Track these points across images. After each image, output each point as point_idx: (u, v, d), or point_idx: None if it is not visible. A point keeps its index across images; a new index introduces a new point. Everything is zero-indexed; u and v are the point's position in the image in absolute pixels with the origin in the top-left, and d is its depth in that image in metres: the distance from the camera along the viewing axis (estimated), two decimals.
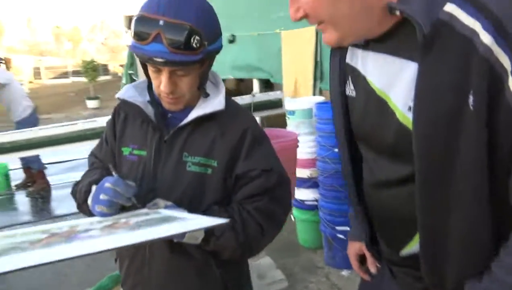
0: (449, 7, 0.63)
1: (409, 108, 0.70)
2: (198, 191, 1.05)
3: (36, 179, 4.94)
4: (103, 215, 0.97)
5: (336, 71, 0.90)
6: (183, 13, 0.90)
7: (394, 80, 0.73)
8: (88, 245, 0.70)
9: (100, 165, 1.18)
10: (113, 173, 1.00)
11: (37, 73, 27.31)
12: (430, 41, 0.63)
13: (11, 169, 5.14)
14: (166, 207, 0.98)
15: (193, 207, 1.02)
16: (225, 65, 5.07)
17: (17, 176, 5.17)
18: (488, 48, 0.58)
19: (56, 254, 0.63)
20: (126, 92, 1.10)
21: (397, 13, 0.66)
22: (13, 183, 5.11)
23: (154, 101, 1.09)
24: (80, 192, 1.08)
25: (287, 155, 1.70)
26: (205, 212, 1.02)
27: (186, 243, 0.98)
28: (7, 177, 4.95)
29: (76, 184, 1.16)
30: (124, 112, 1.14)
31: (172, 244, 1.03)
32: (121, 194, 0.96)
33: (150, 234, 0.73)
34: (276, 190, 1.07)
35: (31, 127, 4.66)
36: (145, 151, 1.08)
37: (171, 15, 0.89)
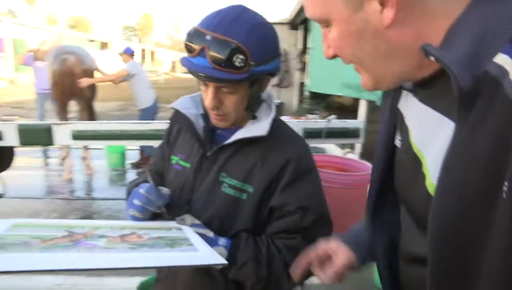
0: (501, 58, 0.48)
1: None
2: (230, 214, 1.02)
3: (146, 161, 5.48)
4: (135, 219, 1.01)
5: (385, 114, 0.78)
6: (233, 30, 0.88)
7: (430, 138, 0.60)
8: (77, 260, 0.72)
9: (152, 168, 1.23)
10: (149, 180, 1.03)
11: (173, 67, 30.38)
12: (469, 99, 0.50)
13: (129, 149, 5.78)
14: (192, 225, 0.97)
15: (223, 230, 1.00)
16: (335, 82, 4.96)
17: (133, 156, 5.80)
18: None
19: (43, 264, 0.67)
20: (181, 103, 1.12)
21: (432, 58, 0.54)
22: (128, 162, 5.74)
23: (206, 115, 1.09)
24: (127, 192, 1.14)
25: (361, 190, 1.56)
26: (234, 237, 1.00)
27: None
28: (123, 156, 5.59)
29: (130, 182, 1.23)
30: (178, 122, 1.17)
31: None
32: (153, 202, 0.99)
33: (138, 262, 0.74)
34: (312, 230, 1.00)
35: (152, 115, 5.41)
36: (189, 164, 1.09)
37: (219, 31, 0.88)
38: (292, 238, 0.99)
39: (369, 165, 1.70)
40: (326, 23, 0.62)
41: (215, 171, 1.04)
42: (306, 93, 9.86)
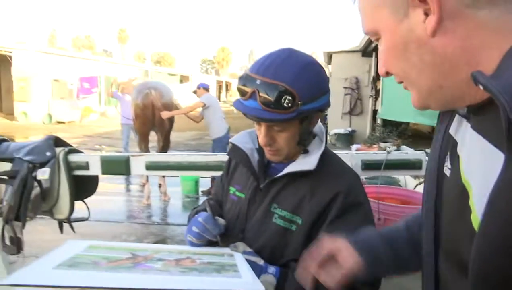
0: None
1: None
2: (281, 244, 1.06)
3: None
4: (192, 244, 1.09)
5: (438, 141, 0.75)
6: (280, 74, 0.95)
7: (479, 169, 0.56)
8: (134, 280, 0.82)
9: (213, 198, 1.32)
10: (207, 210, 1.11)
11: None
12: None
13: (202, 177, 6.06)
14: (244, 252, 1.03)
15: (274, 258, 1.04)
16: (408, 109, 4.83)
17: (206, 184, 6.06)
18: None
19: (105, 282, 0.78)
20: (239, 138, 1.20)
21: (481, 87, 0.51)
22: (201, 189, 6.01)
23: (261, 149, 1.16)
24: (188, 218, 1.24)
25: None
26: (284, 266, 1.03)
27: None
28: (196, 183, 5.87)
29: (192, 210, 1.33)
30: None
31: None
32: (209, 231, 1.07)
33: (183, 284, 0.82)
34: None
35: (223, 144, 5.68)
36: (244, 194, 1.16)
37: (268, 75, 0.95)
38: None
39: None
40: (376, 35, 0.63)
41: (267, 202, 1.09)
42: (379, 121, 9.60)
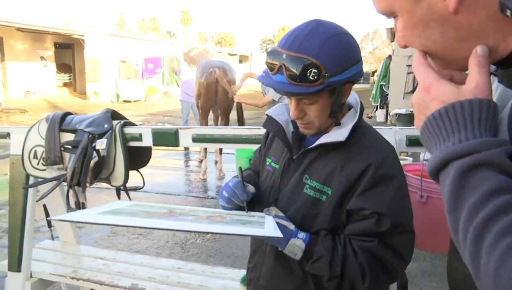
0: None
1: None
2: (310, 214, 1.08)
3: None
4: (223, 207, 1.15)
5: None
6: (305, 47, 0.94)
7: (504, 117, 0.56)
8: (165, 224, 0.92)
9: (252, 168, 1.36)
10: (238, 176, 1.16)
11: None
12: None
13: None
14: (276, 216, 1.06)
15: (304, 227, 1.07)
16: None
17: None
18: None
19: (144, 223, 0.90)
20: (275, 110, 1.22)
21: (508, 13, 0.51)
22: None
23: (295, 122, 1.17)
24: None
25: None
26: (314, 234, 1.06)
27: (288, 256, 1.05)
28: (251, 160, 5.98)
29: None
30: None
31: (276, 253, 1.11)
32: (238, 195, 1.12)
33: (207, 228, 0.92)
34: (389, 237, 1.00)
35: None
36: (279, 165, 1.19)
37: (293, 49, 0.95)
38: (368, 241, 1.00)
39: None
40: (392, 15, 0.63)
41: (299, 173, 1.11)
42: None
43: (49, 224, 2.53)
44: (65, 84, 20.08)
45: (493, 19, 0.53)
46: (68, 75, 20.08)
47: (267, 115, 1.22)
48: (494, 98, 0.62)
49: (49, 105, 15.66)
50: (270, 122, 1.21)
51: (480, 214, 0.46)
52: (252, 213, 1.11)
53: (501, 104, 0.58)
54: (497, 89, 0.64)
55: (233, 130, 1.80)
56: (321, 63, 0.94)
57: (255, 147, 1.87)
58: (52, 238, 2.54)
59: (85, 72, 18.04)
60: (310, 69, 0.94)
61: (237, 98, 5.20)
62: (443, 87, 0.56)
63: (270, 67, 1.00)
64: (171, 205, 1.20)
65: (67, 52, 20.04)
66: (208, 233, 0.92)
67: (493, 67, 0.63)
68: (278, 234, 0.92)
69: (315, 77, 0.94)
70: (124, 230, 3.85)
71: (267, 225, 0.98)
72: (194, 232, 1.04)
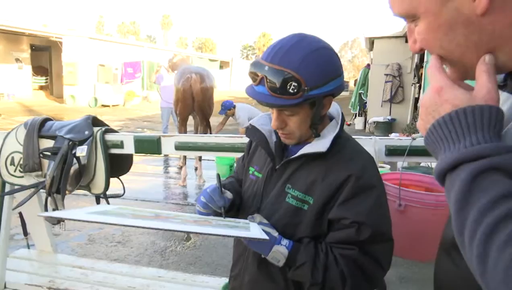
0: None
1: None
2: (293, 223, 1.10)
3: None
4: (200, 213, 1.16)
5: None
6: (287, 60, 0.97)
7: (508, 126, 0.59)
8: (152, 224, 0.94)
9: (234, 176, 1.38)
10: (216, 183, 1.17)
11: None
12: None
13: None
14: (260, 223, 1.08)
15: (286, 235, 1.08)
16: None
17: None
18: None
19: (138, 223, 0.92)
20: (259, 120, 1.24)
21: None
22: None
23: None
24: None
25: (444, 210, 1.49)
26: (296, 242, 1.07)
27: (270, 263, 1.06)
28: (231, 167, 5.99)
29: None
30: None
31: (259, 261, 1.12)
32: (215, 201, 1.13)
33: (195, 229, 0.94)
34: (369, 245, 1.02)
35: None
36: (261, 174, 1.20)
37: (275, 62, 0.98)
38: (349, 249, 1.02)
39: None
40: (413, 17, 0.62)
41: (282, 182, 1.13)
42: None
43: (25, 232, 2.47)
44: (41, 87, 19.61)
45: None
46: (44, 78, 19.63)
47: (250, 125, 1.24)
48: (504, 108, 0.63)
49: (24, 108, 15.27)
50: (253, 132, 1.23)
51: (490, 215, 0.47)
52: (237, 219, 1.13)
53: (509, 114, 0.60)
54: (506, 100, 0.65)
55: (216, 138, 1.81)
56: (301, 76, 0.96)
57: (237, 155, 1.89)
58: (28, 247, 2.48)
59: (63, 75, 17.66)
60: (290, 82, 0.96)
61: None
62: (456, 92, 0.57)
63: (253, 78, 1.03)
64: (156, 210, 1.21)
65: (44, 55, 19.60)
66: (198, 233, 0.93)
67: (500, 79, 0.64)
68: (264, 236, 0.94)
69: (295, 90, 0.97)
70: (102, 238, 3.78)
71: (252, 230, 0.99)
72: (186, 232, 1.07)
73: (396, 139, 1.62)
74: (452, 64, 0.62)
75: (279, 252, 1.03)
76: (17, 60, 17.81)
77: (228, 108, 6.17)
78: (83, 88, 17.32)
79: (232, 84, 28.46)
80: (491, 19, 0.55)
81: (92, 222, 0.90)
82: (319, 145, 1.08)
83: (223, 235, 0.91)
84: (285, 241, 1.05)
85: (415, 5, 0.59)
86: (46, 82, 19.75)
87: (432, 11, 0.58)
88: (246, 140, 1.75)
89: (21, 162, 1.95)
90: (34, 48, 18.79)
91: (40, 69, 19.53)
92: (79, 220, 0.92)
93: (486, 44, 0.57)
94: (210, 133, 5.90)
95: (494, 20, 0.55)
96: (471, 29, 0.56)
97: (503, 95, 0.65)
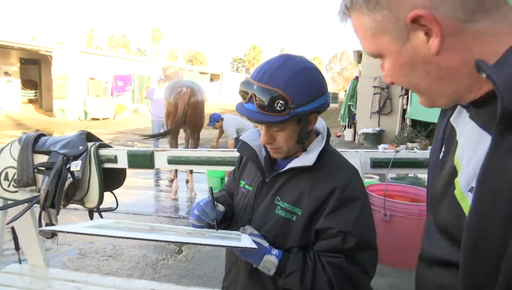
0: None
1: (471, 189, 0.60)
2: (282, 233, 1.15)
3: None
4: (193, 225, 1.21)
5: (440, 133, 0.81)
6: (274, 80, 1.04)
7: (470, 152, 0.63)
8: (148, 236, 0.99)
9: (226, 189, 1.43)
10: (209, 196, 1.22)
11: None
12: (510, 121, 0.51)
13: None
14: (251, 234, 1.13)
15: (276, 245, 1.14)
16: (437, 110, 4.77)
17: None
18: None
19: (137, 235, 0.97)
20: (249, 135, 1.30)
21: (484, 75, 0.56)
22: None
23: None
24: None
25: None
26: (286, 251, 1.13)
27: (262, 272, 1.11)
28: (222, 180, 6.02)
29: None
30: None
31: (251, 271, 1.17)
32: (207, 214, 1.18)
33: (189, 240, 0.99)
34: (355, 253, 1.08)
35: None
36: (252, 187, 1.26)
37: (263, 81, 1.05)
38: (336, 257, 1.08)
39: None
40: (380, 56, 0.68)
41: (271, 194, 1.19)
42: (408, 121, 9.44)
43: (17, 247, 2.47)
44: (30, 101, 19.49)
45: (468, 64, 0.60)
46: (33, 91, 19.52)
47: (241, 140, 1.30)
48: (462, 130, 0.69)
49: (13, 122, 15.15)
50: (244, 147, 1.29)
51: None
52: (229, 231, 1.18)
53: (470, 141, 0.64)
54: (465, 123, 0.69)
55: (208, 152, 1.87)
56: (288, 95, 1.03)
57: (228, 169, 1.94)
58: (20, 262, 2.48)
59: (52, 88, 17.61)
60: (278, 101, 1.03)
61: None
62: None
63: (243, 96, 1.09)
64: (149, 223, 1.26)
65: (33, 68, 19.52)
66: (193, 244, 0.98)
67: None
68: (254, 245, 1.00)
69: (282, 108, 1.03)
70: (93, 252, 3.78)
71: (243, 240, 1.05)
72: (181, 243, 1.10)
73: (381, 152, 1.69)
74: (420, 94, 0.69)
75: (270, 262, 1.08)
76: (6, 73, 17.71)
77: (216, 120, 6.27)
78: (73, 101, 17.26)
79: (222, 97, 28.58)
80: (446, 57, 0.60)
81: (92, 235, 0.95)
82: (306, 159, 1.14)
83: (216, 245, 0.96)
84: (275, 251, 1.10)
85: (379, 46, 0.66)
86: (35, 96, 19.64)
87: (393, 51, 0.64)
88: (236, 154, 1.81)
89: (15, 177, 1.98)
90: (23, 62, 18.71)
91: (29, 83, 19.42)
92: (79, 233, 0.96)
93: (446, 79, 0.62)
94: (198, 146, 5.97)
95: (449, 58, 0.60)
96: (430, 66, 0.62)
97: (462, 114, 0.70)
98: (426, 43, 0.60)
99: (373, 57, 0.70)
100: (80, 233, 0.96)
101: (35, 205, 1.96)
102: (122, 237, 0.95)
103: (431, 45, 0.59)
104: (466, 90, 0.62)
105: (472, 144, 0.63)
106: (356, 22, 0.68)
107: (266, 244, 1.11)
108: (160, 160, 1.92)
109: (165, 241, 0.96)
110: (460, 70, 0.60)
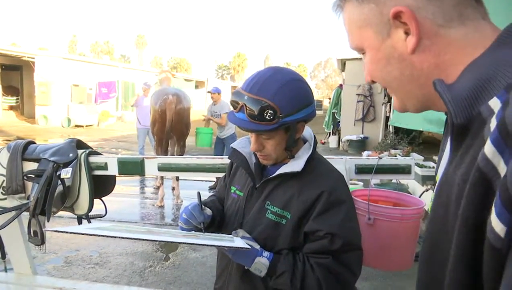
0: (494, 102, 0.51)
1: None
2: (272, 236, 1.20)
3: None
4: (182, 229, 1.26)
5: (440, 150, 0.81)
6: (263, 91, 1.10)
7: (443, 167, 0.66)
8: (146, 236, 1.04)
9: (216, 194, 1.48)
10: (197, 200, 1.27)
11: None
12: (461, 135, 0.55)
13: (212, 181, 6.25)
14: (243, 237, 1.18)
15: (267, 248, 1.19)
16: (417, 116, 4.89)
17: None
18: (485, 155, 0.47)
19: (121, 234, 1.01)
20: (239, 143, 1.36)
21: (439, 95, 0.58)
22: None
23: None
24: None
25: (408, 223, 1.63)
26: (276, 253, 1.18)
27: (253, 274, 1.16)
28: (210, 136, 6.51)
29: None
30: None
31: (242, 273, 1.22)
32: (195, 217, 1.23)
33: (184, 240, 1.06)
34: (341, 254, 1.14)
35: (231, 142, 6.03)
36: (242, 193, 1.31)
37: (253, 92, 1.11)
38: (324, 258, 1.14)
39: (421, 201, 1.76)
40: (362, 51, 0.72)
41: (262, 199, 1.24)
42: (391, 128, 9.64)
43: (3, 255, 2.46)
44: (11, 108, 19.16)
45: (439, 69, 0.63)
46: (15, 98, 19.21)
47: (232, 147, 1.35)
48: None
49: None
50: (235, 154, 1.34)
51: None
52: (223, 235, 1.22)
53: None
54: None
55: (198, 159, 1.91)
56: (277, 105, 1.09)
57: (219, 175, 1.99)
58: (6, 270, 2.46)
59: (35, 95, 17.35)
60: (267, 110, 1.09)
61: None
62: None
63: (234, 105, 1.15)
64: (145, 227, 1.29)
65: (14, 74, 19.22)
66: (191, 244, 1.07)
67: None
68: (247, 245, 1.06)
69: (271, 117, 1.10)
70: (79, 260, 3.75)
71: (236, 242, 1.10)
72: (180, 243, 1.14)
73: (365, 158, 1.77)
74: (393, 93, 0.73)
75: (261, 263, 1.13)
76: None
77: (217, 91, 6.48)
78: (56, 108, 17.04)
79: (207, 104, 28.55)
80: (420, 58, 0.64)
81: (97, 235, 1.00)
82: (295, 165, 1.20)
83: (212, 246, 1.01)
84: (266, 253, 1.16)
85: (362, 39, 0.70)
86: (16, 102, 19.33)
87: (373, 46, 0.68)
88: (226, 161, 1.86)
89: (4, 184, 1.98)
90: (4, 68, 18.42)
91: (10, 89, 19.11)
92: (86, 234, 1.00)
93: (417, 80, 0.66)
94: (184, 153, 5.98)
95: (423, 59, 0.63)
96: (404, 64, 0.65)
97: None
98: (404, 41, 0.63)
99: (356, 51, 0.74)
100: (86, 234, 0.99)
101: (24, 212, 1.96)
102: (128, 238, 0.99)
103: (408, 43, 0.62)
104: (436, 96, 0.63)
105: (445, 159, 0.66)
106: (346, 15, 0.72)
107: (257, 246, 1.16)
108: (151, 167, 1.95)
109: (167, 242, 1.01)
110: (431, 73, 0.63)
